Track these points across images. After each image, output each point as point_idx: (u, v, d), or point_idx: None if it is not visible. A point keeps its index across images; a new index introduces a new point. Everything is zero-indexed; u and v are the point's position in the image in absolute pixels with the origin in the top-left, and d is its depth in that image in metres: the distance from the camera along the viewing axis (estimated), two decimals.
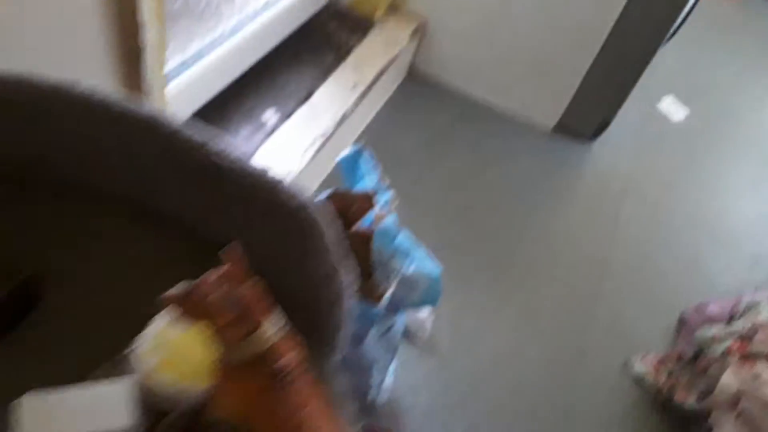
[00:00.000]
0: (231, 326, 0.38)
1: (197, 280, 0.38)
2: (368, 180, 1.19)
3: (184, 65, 1.34)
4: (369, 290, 1.08)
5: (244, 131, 1.46)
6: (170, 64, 1.28)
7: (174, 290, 0.38)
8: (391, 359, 1.25)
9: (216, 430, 0.43)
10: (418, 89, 2.06)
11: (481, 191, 1.83)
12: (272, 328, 0.40)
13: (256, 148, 1.44)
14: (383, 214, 1.11)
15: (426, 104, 2.03)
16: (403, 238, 1.16)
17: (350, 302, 0.54)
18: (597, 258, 1.74)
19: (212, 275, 0.38)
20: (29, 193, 0.55)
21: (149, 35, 0.85)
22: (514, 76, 1.97)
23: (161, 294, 0.38)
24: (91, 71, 0.88)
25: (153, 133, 0.48)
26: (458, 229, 1.70)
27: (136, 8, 0.79)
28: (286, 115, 1.55)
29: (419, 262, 1.15)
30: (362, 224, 1.17)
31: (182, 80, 1.33)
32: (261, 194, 0.48)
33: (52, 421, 0.39)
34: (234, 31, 1.49)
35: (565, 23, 1.77)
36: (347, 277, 0.53)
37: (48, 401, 0.40)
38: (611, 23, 1.71)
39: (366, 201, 1.12)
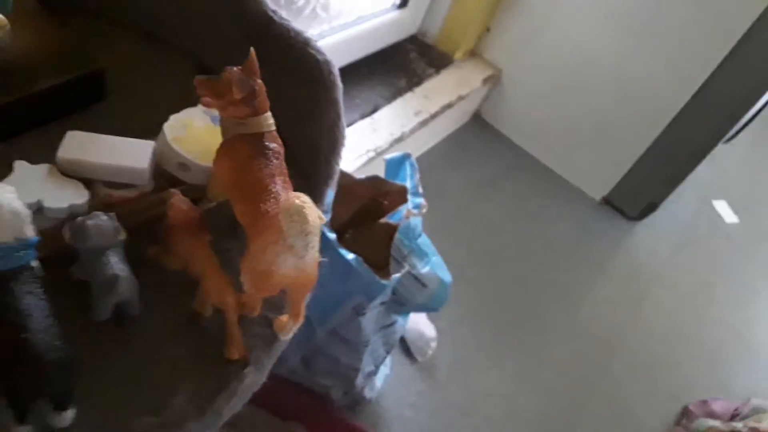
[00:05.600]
0: (242, 104, 0.55)
1: (225, 70, 0.56)
2: (408, 183, 1.33)
3: None
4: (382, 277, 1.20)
5: None
6: None
7: (204, 76, 0.56)
8: (385, 355, 1.36)
9: (210, 211, 0.62)
10: (477, 134, 2.23)
11: (513, 241, 1.95)
12: (270, 120, 0.58)
13: None
14: (412, 213, 1.25)
15: (482, 150, 2.19)
16: (425, 242, 1.29)
17: (341, 156, 0.71)
18: (613, 333, 1.81)
19: (235, 68, 0.56)
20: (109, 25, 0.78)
21: None
22: (573, 143, 2.11)
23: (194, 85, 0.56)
24: None
25: None
26: (481, 268, 1.82)
27: None
28: (347, 124, 1.73)
29: (434, 266, 1.27)
30: (391, 217, 1.31)
31: None
32: (296, 44, 0.67)
33: (88, 148, 0.58)
34: (321, 37, 1.70)
35: (636, 99, 1.92)
36: (344, 133, 0.69)
37: (88, 136, 0.59)
38: (679, 108, 1.85)
39: (400, 194, 1.27)
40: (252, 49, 0.55)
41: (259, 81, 0.57)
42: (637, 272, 2.03)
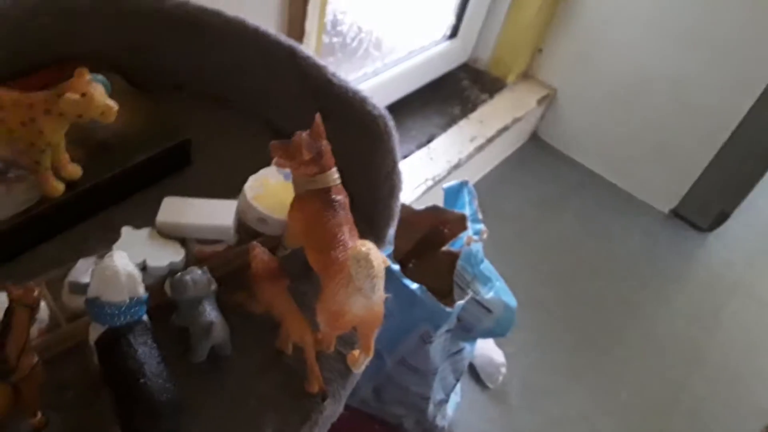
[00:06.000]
0: (310, 163, 0.64)
1: (294, 134, 0.65)
2: (467, 210, 1.39)
3: None
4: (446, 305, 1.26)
5: None
6: None
7: (278, 141, 0.65)
8: (455, 383, 1.41)
9: (287, 258, 0.70)
10: (537, 154, 2.27)
11: (581, 260, 1.96)
12: (335, 175, 0.66)
13: None
14: (473, 240, 1.31)
15: (542, 169, 2.22)
16: (488, 268, 1.34)
17: (399, 199, 0.79)
18: (691, 348, 1.79)
19: (304, 132, 0.64)
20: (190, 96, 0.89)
21: None
22: (636, 155, 2.11)
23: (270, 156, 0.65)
24: None
25: (286, 54, 0.78)
26: (548, 290, 1.84)
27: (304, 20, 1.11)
28: (404, 156, 1.81)
29: (498, 291, 1.32)
30: (452, 245, 1.37)
31: None
32: (355, 103, 0.75)
33: (181, 212, 0.68)
34: (375, 74, 1.79)
35: (697, 107, 1.92)
36: (401, 178, 0.76)
37: (180, 200, 0.70)
38: (743, 113, 1.84)
39: (460, 222, 1.33)
40: (318, 114, 0.64)
41: (325, 142, 0.65)
42: (713, 284, 2.00)
